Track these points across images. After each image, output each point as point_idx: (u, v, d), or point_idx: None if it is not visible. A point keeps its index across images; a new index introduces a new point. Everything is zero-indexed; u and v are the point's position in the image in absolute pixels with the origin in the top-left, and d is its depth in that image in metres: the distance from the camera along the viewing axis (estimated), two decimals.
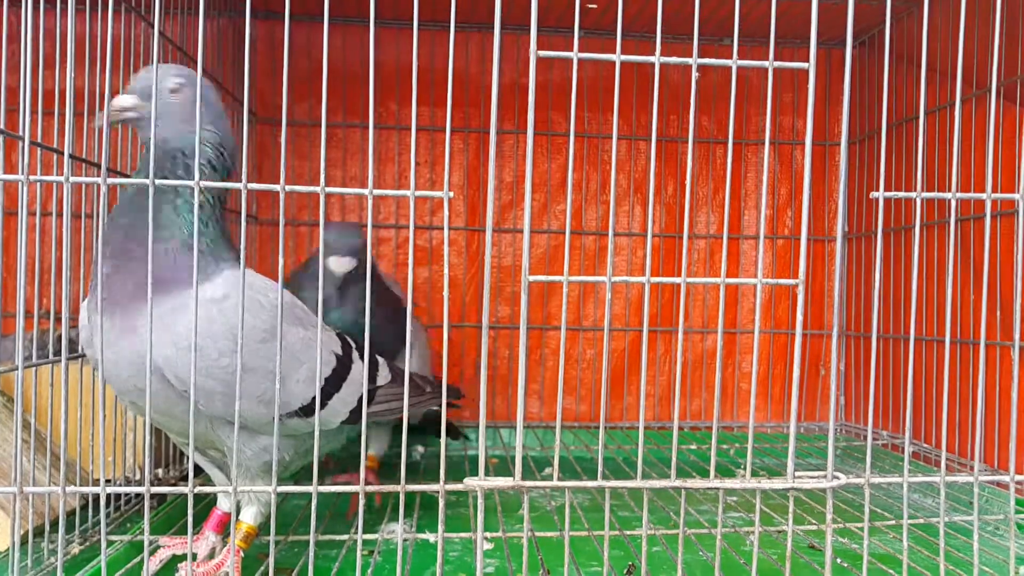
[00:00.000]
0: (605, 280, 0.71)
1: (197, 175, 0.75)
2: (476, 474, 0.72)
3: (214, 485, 0.92)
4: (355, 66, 1.65)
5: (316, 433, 0.75)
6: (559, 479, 0.73)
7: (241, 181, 0.71)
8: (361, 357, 0.95)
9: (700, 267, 1.78)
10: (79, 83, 0.91)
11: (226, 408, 0.80)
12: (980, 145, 1.35)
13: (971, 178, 1.36)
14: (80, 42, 0.85)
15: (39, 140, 0.88)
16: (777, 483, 0.74)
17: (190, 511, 0.72)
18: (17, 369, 0.75)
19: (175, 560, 0.91)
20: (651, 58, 0.71)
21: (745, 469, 0.81)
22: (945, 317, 0.79)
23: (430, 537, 1.04)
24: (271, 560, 0.76)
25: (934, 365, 1.43)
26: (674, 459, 0.74)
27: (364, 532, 0.75)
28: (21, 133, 0.79)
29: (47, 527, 0.90)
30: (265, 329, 0.81)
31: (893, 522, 1.11)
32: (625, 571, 0.94)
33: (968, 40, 0.77)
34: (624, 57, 0.70)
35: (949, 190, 0.78)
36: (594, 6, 1.43)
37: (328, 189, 0.72)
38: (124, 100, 0.78)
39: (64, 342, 0.88)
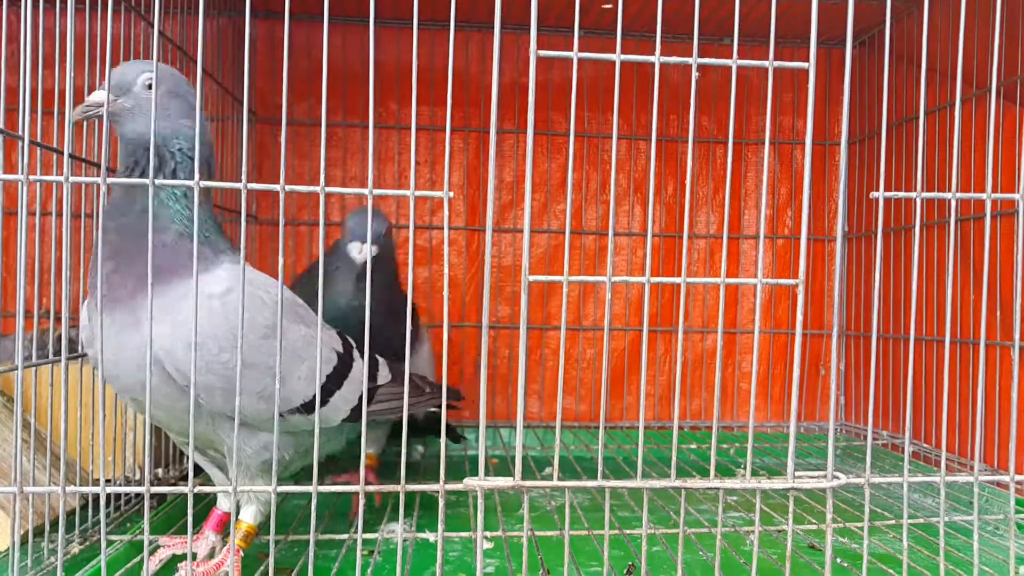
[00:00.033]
0: (605, 280, 0.71)
1: (197, 175, 0.75)
2: (476, 474, 0.72)
3: (214, 485, 0.92)
4: (355, 65, 1.65)
5: (316, 431, 0.75)
6: (559, 479, 0.73)
7: (241, 181, 0.71)
8: (362, 356, 0.95)
9: (700, 267, 1.78)
10: (79, 83, 0.91)
11: (226, 403, 0.80)
12: (980, 145, 1.35)
13: (971, 178, 1.36)
14: (80, 41, 0.85)
15: (39, 140, 0.88)
16: (777, 483, 0.74)
17: (190, 511, 0.72)
18: (17, 369, 0.75)
19: (175, 560, 0.91)
20: (651, 58, 0.71)
21: (745, 469, 0.81)
22: (945, 317, 0.79)
23: (430, 537, 1.04)
24: (271, 560, 0.76)
25: (934, 365, 1.43)
26: (674, 459, 0.74)
27: (364, 532, 0.75)
28: (21, 133, 0.79)
29: (47, 527, 0.90)
30: (266, 325, 0.81)
31: (893, 522, 1.11)
32: (625, 571, 0.94)
33: (968, 40, 0.77)
34: (624, 57, 0.70)
35: (949, 190, 0.78)
36: (609, 6, 1.43)
37: (328, 189, 0.72)
38: (98, 96, 0.78)
39: (64, 342, 0.88)
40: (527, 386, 1.64)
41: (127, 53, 1.05)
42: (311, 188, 0.72)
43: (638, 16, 1.56)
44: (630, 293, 1.75)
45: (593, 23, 1.63)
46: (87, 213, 0.97)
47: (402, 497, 0.74)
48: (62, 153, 0.83)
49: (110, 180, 0.75)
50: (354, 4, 1.57)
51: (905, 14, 1.51)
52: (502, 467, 1.47)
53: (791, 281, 0.71)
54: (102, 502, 0.85)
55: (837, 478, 0.74)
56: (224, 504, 0.91)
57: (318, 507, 0.75)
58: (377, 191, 0.73)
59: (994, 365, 1.28)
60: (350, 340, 0.97)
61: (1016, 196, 0.78)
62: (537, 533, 1.05)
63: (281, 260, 0.74)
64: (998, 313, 1.28)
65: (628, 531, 1.06)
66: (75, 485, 1.06)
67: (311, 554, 0.75)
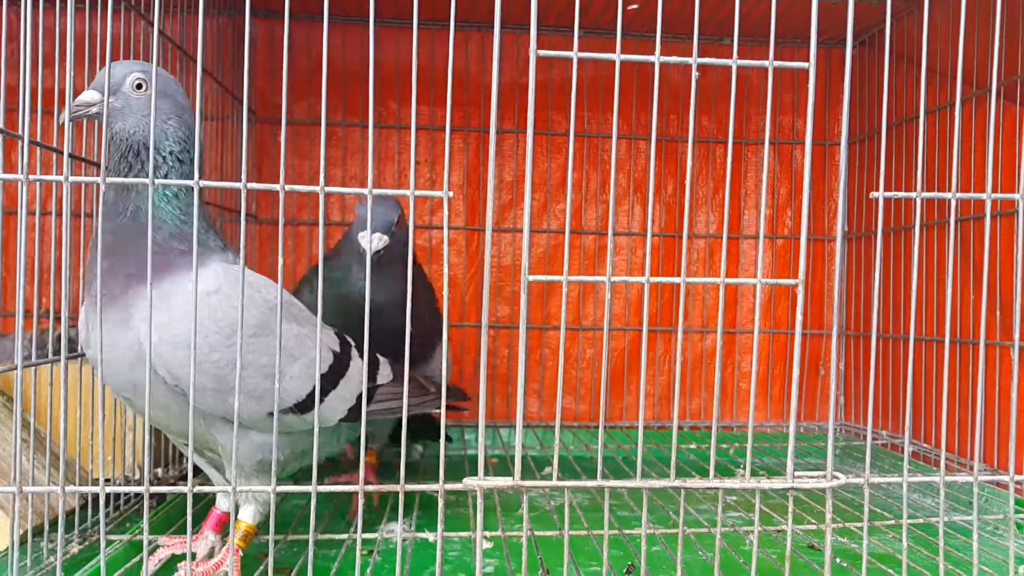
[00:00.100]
0: (605, 280, 0.71)
1: (197, 175, 0.75)
2: (476, 474, 0.72)
3: (213, 485, 0.92)
4: (355, 65, 1.65)
5: (316, 431, 0.75)
6: (558, 479, 0.73)
7: (241, 180, 0.71)
8: (361, 355, 0.95)
9: (700, 267, 1.78)
10: (79, 82, 0.91)
11: (216, 403, 0.80)
12: (980, 145, 1.35)
13: (971, 178, 1.36)
14: (80, 41, 0.85)
15: (39, 139, 0.88)
16: (776, 483, 0.74)
17: (189, 510, 0.72)
18: (17, 368, 0.74)
19: (174, 560, 0.91)
20: (651, 57, 0.71)
21: (745, 469, 0.81)
22: (945, 317, 0.79)
23: (429, 536, 1.04)
24: (270, 559, 0.76)
25: (934, 365, 1.43)
26: (673, 459, 0.74)
27: (363, 531, 0.75)
28: (20, 132, 0.79)
29: (46, 526, 0.90)
30: (256, 324, 0.81)
31: (893, 522, 1.11)
32: (624, 571, 0.94)
33: (968, 40, 0.77)
34: (624, 56, 0.70)
35: (949, 190, 0.78)
36: (635, 6, 1.42)
37: (328, 188, 0.72)
38: (87, 96, 0.79)
39: (64, 341, 0.88)
40: (527, 386, 1.64)
41: (127, 53, 1.05)
42: (311, 188, 0.72)
43: (638, 16, 1.56)
44: (630, 293, 1.75)
45: (593, 23, 1.63)
46: (87, 213, 0.97)
47: (401, 497, 0.74)
48: (62, 153, 0.83)
49: (109, 180, 0.75)
50: (354, 3, 1.57)
51: (905, 14, 1.51)
52: (502, 467, 1.47)
53: (791, 281, 0.71)
54: (101, 502, 0.85)
55: (836, 478, 0.74)
56: (223, 504, 0.91)
57: (317, 507, 0.74)
58: (377, 190, 0.73)
59: (994, 365, 1.28)
60: (349, 340, 0.97)
61: (1016, 196, 0.78)
62: (536, 533, 1.05)
63: (281, 260, 0.74)
64: (998, 313, 1.28)
65: (627, 531, 1.06)
66: (74, 485, 1.06)
67: (310, 554, 0.75)
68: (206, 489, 0.77)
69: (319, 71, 0.87)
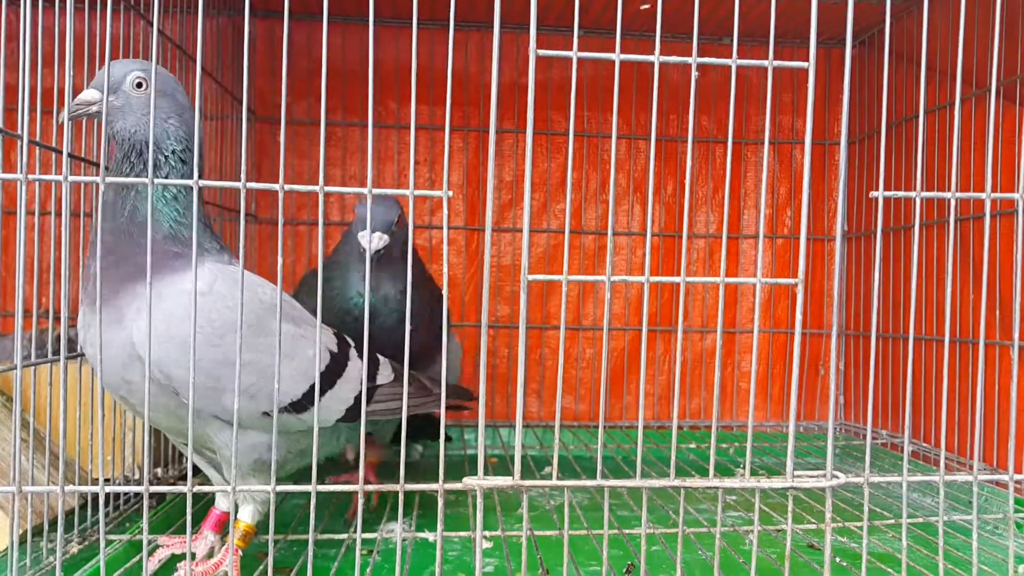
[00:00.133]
0: (604, 279, 0.71)
1: (196, 174, 0.75)
2: (475, 473, 0.72)
3: (212, 485, 0.92)
4: (354, 64, 1.65)
5: (316, 430, 0.75)
6: (558, 478, 0.73)
7: (240, 180, 0.71)
8: (360, 356, 0.95)
9: (699, 266, 1.78)
10: (78, 82, 0.91)
11: (208, 401, 0.80)
12: (980, 145, 1.35)
13: (971, 177, 1.36)
14: (79, 41, 0.85)
15: (38, 139, 0.88)
16: (776, 482, 0.74)
17: (188, 510, 0.72)
18: (16, 368, 0.74)
19: (174, 559, 0.91)
20: (651, 57, 0.71)
21: (744, 468, 0.81)
22: (944, 316, 0.79)
23: (429, 536, 1.04)
24: (270, 559, 0.76)
25: (933, 364, 1.43)
26: (673, 458, 0.74)
27: (363, 531, 0.75)
28: (20, 132, 0.79)
29: (46, 526, 0.90)
30: (248, 324, 0.81)
31: (892, 521, 1.11)
32: (624, 570, 0.94)
33: (968, 39, 0.77)
34: (623, 56, 0.70)
35: (949, 189, 0.78)
36: (647, 6, 1.42)
37: (327, 188, 0.72)
38: (87, 95, 0.79)
39: (63, 341, 0.88)
40: (526, 385, 1.64)
41: (126, 52, 1.05)
42: (310, 187, 0.72)
43: (637, 15, 1.56)
44: (629, 293, 1.75)
45: (593, 22, 1.63)
46: (86, 212, 0.97)
47: (401, 496, 0.74)
48: (61, 152, 0.83)
49: (109, 179, 0.75)
50: (353, 3, 1.57)
51: (905, 13, 1.51)
52: (501, 466, 1.47)
53: (790, 280, 0.71)
54: (101, 501, 0.85)
55: (836, 477, 0.74)
56: (222, 504, 0.91)
57: (317, 507, 0.74)
58: (376, 190, 0.73)
59: (993, 364, 1.28)
60: (349, 340, 0.97)
61: (1016, 195, 0.78)
62: (536, 533, 1.05)
63: (280, 260, 0.74)
64: (997, 312, 1.28)
65: (627, 530, 1.06)
66: (74, 484, 1.06)
67: (310, 553, 0.75)
68: (206, 489, 0.77)
69: (318, 71, 0.87)
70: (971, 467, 1.25)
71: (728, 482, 0.74)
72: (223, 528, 0.91)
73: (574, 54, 0.69)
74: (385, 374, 1.02)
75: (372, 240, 1.06)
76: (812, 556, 0.98)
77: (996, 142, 0.78)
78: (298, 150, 1.69)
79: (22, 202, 0.77)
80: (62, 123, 0.79)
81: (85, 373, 0.99)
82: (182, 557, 0.88)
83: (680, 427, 1.67)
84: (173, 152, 0.81)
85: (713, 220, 1.78)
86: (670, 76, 1.68)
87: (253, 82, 1.66)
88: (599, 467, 0.73)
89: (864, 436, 1.66)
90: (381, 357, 1.03)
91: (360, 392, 0.91)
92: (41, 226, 1.37)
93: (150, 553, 0.88)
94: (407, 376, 0.81)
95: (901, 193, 0.78)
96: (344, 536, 1.03)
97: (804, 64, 0.70)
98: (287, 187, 0.71)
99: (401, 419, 1.13)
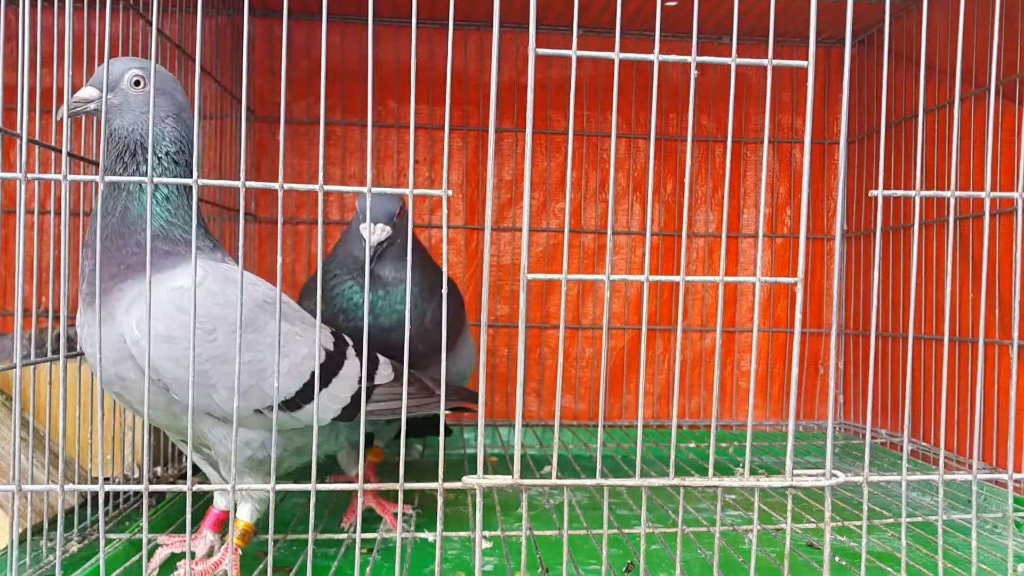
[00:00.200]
0: (604, 278, 0.71)
1: (196, 173, 0.75)
2: (475, 472, 0.72)
3: (211, 483, 0.92)
4: (354, 64, 1.65)
5: (315, 429, 0.75)
6: (558, 477, 0.73)
7: (239, 179, 0.71)
8: (358, 355, 0.95)
9: (699, 265, 1.78)
10: (77, 81, 0.91)
11: (199, 399, 0.80)
12: (979, 143, 1.35)
13: (970, 176, 1.36)
14: (78, 40, 0.85)
15: (37, 138, 0.88)
16: (776, 481, 0.74)
17: (188, 509, 0.72)
18: (16, 367, 0.74)
19: (174, 558, 0.91)
20: (650, 56, 0.71)
21: (744, 467, 0.81)
22: (944, 315, 0.79)
23: (429, 536, 1.04)
24: (270, 558, 0.76)
25: (933, 363, 1.43)
26: (672, 457, 0.74)
27: (363, 531, 0.75)
28: (19, 131, 0.78)
29: (46, 525, 0.90)
30: (237, 320, 0.81)
31: (892, 520, 1.11)
32: (624, 569, 0.94)
33: (967, 38, 0.77)
34: (623, 55, 0.70)
35: (948, 188, 0.78)
36: (674, 3, 1.41)
37: (327, 187, 0.72)
38: (86, 92, 0.79)
39: (63, 340, 0.88)
40: (526, 385, 1.64)
41: (125, 52, 1.05)
42: (310, 186, 0.72)
43: (637, 14, 1.56)
44: (629, 292, 1.75)
45: (592, 22, 1.62)
46: (85, 211, 0.97)
47: (400, 495, 0.74)
48: (60, 151, 0.83)
49: (108, 178, 0.75)
50: (353, 3, 1.57)
51: (904, 12, 1.51)
52: (501, 466, 1.47)
53: (790, 280, 0.71)
54: (100, 500, 0.85)
55: (835, 476, 0.74)
56: (221, 503, 0.91)
57: (317, 506, 0.75)
58: (376, 189, 0.73)
59: (993, 364, 1.28)
60: (346, 339, 0.97)
61: (1015, 195, 0.78)
62: (536, 532, 1.05)
63: (280, 259, 0.74)
64: (997, 311, 1.28)
65: (627, 530, 1.06)
66: (74, 483, 1.06)
67: (310, 553, 0.75)
68: (205, 488, 0.77)
69: (318, 70, 0.87)
70: (970, 466, 1.25)
71: (727, 481, 0.74)
72: (222, 527, 0.91)
73: (573, 53, 0.69)
74: (384, 373, 1.02)
75: (375, 231, 1.05)
76: (811, 555, 0.98)
77: (995, 141, 0.78)
78: (297, 149, 1.69)
79: (21, 201, 0.77)
80: (61, 120, 0.79)
81: (85, 372, 0.99)
82: (182, 556, 0.88)
83: (679, 426, 1.67)
84: (167, 154, 0.81)
85: (712, 219, 1.78)
86: (670, 75, 1.68)
87: (252, 81, 1.66)
88: (599, 466, 0.73)
89: (863, 435, 1.66)
90: (381, 357, 1.03)
91: (358, 391, 0.91)
92: (40, 225, 1.37)
93: (150, 553, 0.88)
94: (407, 376, 0.81)
95: (900, 192, 0.78)
96: (344, 535, 1.03)
97: (803, 63, 0.70)
98: (286, 186, 0.71)
99: (396, 419, 1.13)
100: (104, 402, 0.87)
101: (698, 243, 1.77)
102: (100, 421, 0.83)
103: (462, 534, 1.05)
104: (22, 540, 0.86)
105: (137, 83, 0.80)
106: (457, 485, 0.72)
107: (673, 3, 1.38)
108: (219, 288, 0.80)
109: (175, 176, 0.81)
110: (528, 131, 0.69)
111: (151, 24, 1.07)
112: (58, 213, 0.85)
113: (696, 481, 0.75)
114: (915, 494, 1.28)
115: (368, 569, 0.91)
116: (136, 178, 0.77)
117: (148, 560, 0.88)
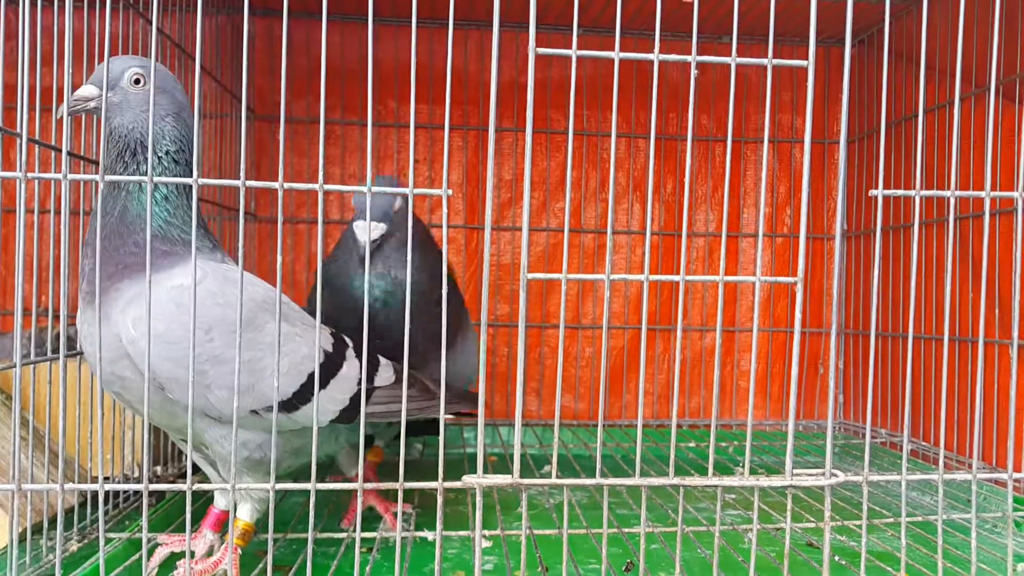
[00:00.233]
0: (604, 278, 0.71)
1: (195, 172, 0.75)
2: (475, 472, 0.72)
3: (211, 483, 0.92)
4: (353, 63, 1.65)
5: (315, 428, 0.75)
6: (557, 477, 0.73)
7: (239, 178, 0.71)
8: (358, 357, 0.94)
9: (699, 265, 1.78)
10: (77, 80, 0.91)
11: (194, 399, 0.80)
12: (979, 143, 1.35)
13: (970, 176, 1.36)
14: (78, 39, 0.85)
15: (37, 137, 0.88)
16: (775, 481, 0.74)
17: (188, 508, 0.72)
18: (16, 367, 0.74)
19: (173, 558, 0.91)
20: (650, 56, 0.71)
21: (744, 467, 0.81)
22: (944, 315, 0.79)
23: (429, 535, 1.04)
24: (269, 558, 0.76)
25: (933, 363, 1.43)
26: (672, 457, 0.74)
27: (363, 530, 0.75)
28: (19, 130, 0.78)
29: (45, 524, 0.90)
30: (235, 321, 0.81)
31: (891, 520, 1.11)
32: (624, 569, 0.94)
33: (967, 38, 0.77)
34: (623, 55, 0.70)
35: (948, 188, 0.78)
36: None
37: (327, 187, 0.72)
38: (86, 90, 0.79)
39: (63, 339, 0.88)
40: (526, 384, 1.64)
41: (125, 51, 1.05)
42: (310, 186, 0.72)
43: (637, 14, 1.56)
44: (629, 291, 1.75)
45: (592, 21, 1.62)
46: (85, 211, 0.97)
47: (400, 494, 0.74)
48: (60, 150, 0.83)
49: (108, 178, 0.75)
50: (352, 2, 1.57)
51: (904, 12, 1.51)
52: (501, 465, 1.47)
53: (790, 279, 0.71)
54: (100, 499, 0.85)
55: (835, 476, 0.74)
56: (220, 502, 0.91)
57: (316, 505, 0.75)
58: (376, 188, 0.73)
59: (992, 363, 1.28)
60: (346, 340, 0.97)
61: (1015, 194, 0.78)
62: (536, 531, 1.05)
63: (280, 258, 0.74)
64: (997, 311, 1.28)
65: (626, 529, 1.06)
66: (73, 483, 1.06)
67: (309, 552, 0.75)
68: (205, 487, 0.77)
69: (318, 69, 0.87)
70: (970, 466, 1.25)
71: (727, 480, 0.74)
72: (222, 527, 0.91)
73: (573, 52, 0.69)
74: (385, 375, 1.01)
75: (370, 230, 1.03)
76: (811, 554, 0.98)
77: (995, 141, 0.78)
78: (297, 148, 1.69)
79: (21, 200, 0.77)
80: (61, 118, 0.79)
81: (85, 371, 0.99)
82: (181, 555, 0.88)
83: (679, 426, 1.67)
84: (167, 153, 0.81)
85: (712, 219, 1.78)
86: (670, 74, 1.68)
87: (252, 80, 1.66)
88: (598, 465, 0.73)
89: (863, 435, 1.66)
90: (382, 358, 1.02)
91: (357, 393, 0.91)
92: (40, 224, 1.37)
93: (150, 552, 0.88)
94: (407, 378, 0.81)
95: (900, 192, 0.78)
96: (343, 535, 1.03)
97: (803, 63, 0.70)
98: (286, 185, 0.71)
99: (396, 422, 1.13)
100: (104, 401, 0.87)
101: (698, 243, 1.77)
102: (100, 420, 0.83)
103: (462, 533, 1.05)
104: (22, 539, 0.86)
105: (137, 81, 0.80)
106: (457, 484, 0.72)
107: None
108: (218, 288, 0.80)
109: (175, 175, 0.81)
110: (528, 130, 0.69)
111: (151, 23, 1.07)
112: (58, 212, 0.85)
113: (696, 481, 0.75)
114: (915, 493, 1.28)
115: (368, 568, 0.91)
116: (136, 177, 0.77)
117: (148, 559, 0.88)
